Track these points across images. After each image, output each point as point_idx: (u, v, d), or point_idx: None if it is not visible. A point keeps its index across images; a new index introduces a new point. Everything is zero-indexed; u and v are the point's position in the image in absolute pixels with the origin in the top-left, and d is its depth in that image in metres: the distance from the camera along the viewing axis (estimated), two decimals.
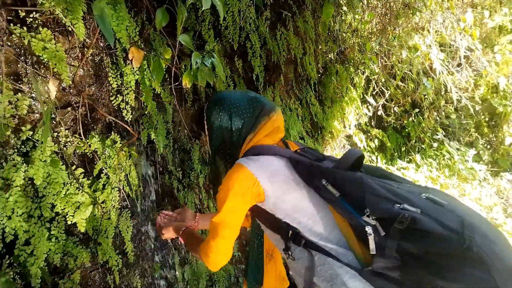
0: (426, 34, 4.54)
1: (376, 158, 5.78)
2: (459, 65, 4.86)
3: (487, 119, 6.00)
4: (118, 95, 1.78)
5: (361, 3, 4.19)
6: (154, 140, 2.05)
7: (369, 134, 5.74)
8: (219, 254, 1.20)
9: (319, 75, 4.45)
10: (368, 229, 0.98)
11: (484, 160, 5.98)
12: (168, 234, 1.52)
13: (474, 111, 5.49)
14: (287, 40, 3.31)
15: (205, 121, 1.35)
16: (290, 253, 1.17)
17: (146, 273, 2.12)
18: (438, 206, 0.97)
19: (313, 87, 4.12)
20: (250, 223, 1.45)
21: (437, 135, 5.70)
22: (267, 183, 1.15)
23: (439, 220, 0.91)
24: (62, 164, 1.50)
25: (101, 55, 1.72)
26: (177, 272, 2.25)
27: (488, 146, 6.07)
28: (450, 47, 4.72)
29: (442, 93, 5.45)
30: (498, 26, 5.31)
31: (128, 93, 1.75)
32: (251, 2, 2.53)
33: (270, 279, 1.43)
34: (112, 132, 1.81)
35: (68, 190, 1.53)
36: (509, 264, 0.85)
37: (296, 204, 1.15)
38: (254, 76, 2.75)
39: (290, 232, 1.14)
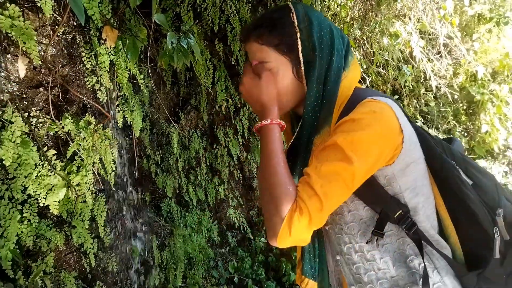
0: (407, 21, 4.56)
1: None
2: (438, 53, 4.92)
3: (465, 107, 6.11)
4: (93, 76, 1.74)
5: None
6: (131, 123, 2.02)
7: None
8: (311, 226, 0.77)
9: None
10: (496, 231, 0.85)
11: None
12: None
13: (453, 99, 5.58)
14: None
15: (297, 40, 0.90)
16: (377, 237, 0.88)
17: (123, 256, 2.12)
18: None
19: None
20: None
21: (416, 122, 5.79)
22: (407, 141, 0.84)
23: None
24: (34, 145, 1.47)
25: (74, 33, 1.67)
26: (155, 256, 2.25)
27: (465, 134, 6.20)
28: (430, 35, 4.76)
29: (422, 80, 5.51)
30: (477, 14, 5.38)
31: (102, 74, 1.71)
32: None
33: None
34: (87, 114, 1.77)
35: (40, 172, 1.50)
36: None
37: (418, 178, 0.89)
38: (233, 61, 2.72)
39: (400, 211, 0.86)
